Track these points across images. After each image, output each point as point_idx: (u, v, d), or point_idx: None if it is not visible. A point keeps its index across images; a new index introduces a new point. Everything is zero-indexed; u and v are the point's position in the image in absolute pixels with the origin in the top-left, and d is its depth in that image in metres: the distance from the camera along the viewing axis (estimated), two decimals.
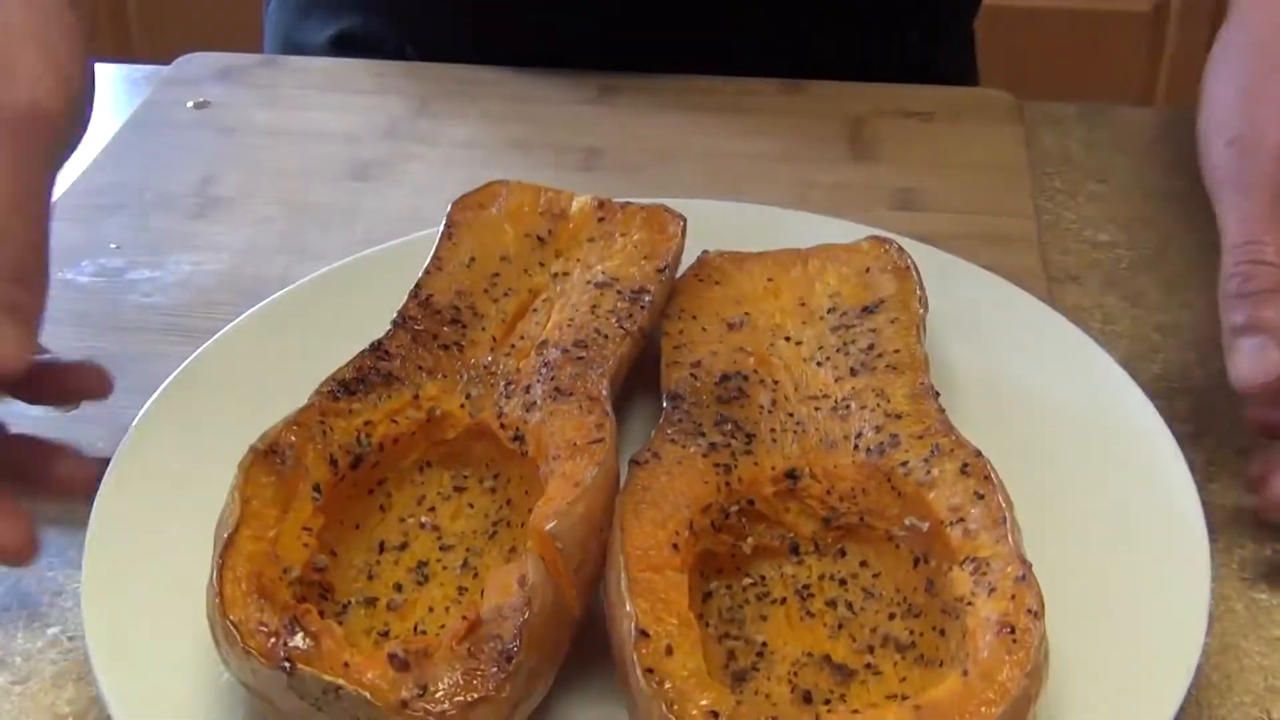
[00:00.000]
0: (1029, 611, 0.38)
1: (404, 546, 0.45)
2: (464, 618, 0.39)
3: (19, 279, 0.43)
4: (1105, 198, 0.65)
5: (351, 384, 0.46)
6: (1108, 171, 0.67)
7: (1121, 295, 0.59)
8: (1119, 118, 0.72)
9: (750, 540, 0.44)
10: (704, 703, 0.37)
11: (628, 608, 0.39)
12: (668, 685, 0.38)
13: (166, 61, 0.76)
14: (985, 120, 0.70)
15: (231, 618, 0.39)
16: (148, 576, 0.44)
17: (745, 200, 0.61)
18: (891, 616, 0.43)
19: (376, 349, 0.48)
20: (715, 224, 0.55)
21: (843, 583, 0.44)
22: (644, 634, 0.39)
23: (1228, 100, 0.50)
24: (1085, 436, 0.49)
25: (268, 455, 0.43)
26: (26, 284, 0.43)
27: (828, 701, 0.40)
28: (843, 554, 0.45)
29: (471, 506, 0.46)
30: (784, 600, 0.44)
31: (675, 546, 0.42)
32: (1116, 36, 1.57)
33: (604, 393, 0.46)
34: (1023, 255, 0.60)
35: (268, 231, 0.62)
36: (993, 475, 0.43)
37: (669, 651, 0.38)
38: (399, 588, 0.43)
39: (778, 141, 0.69)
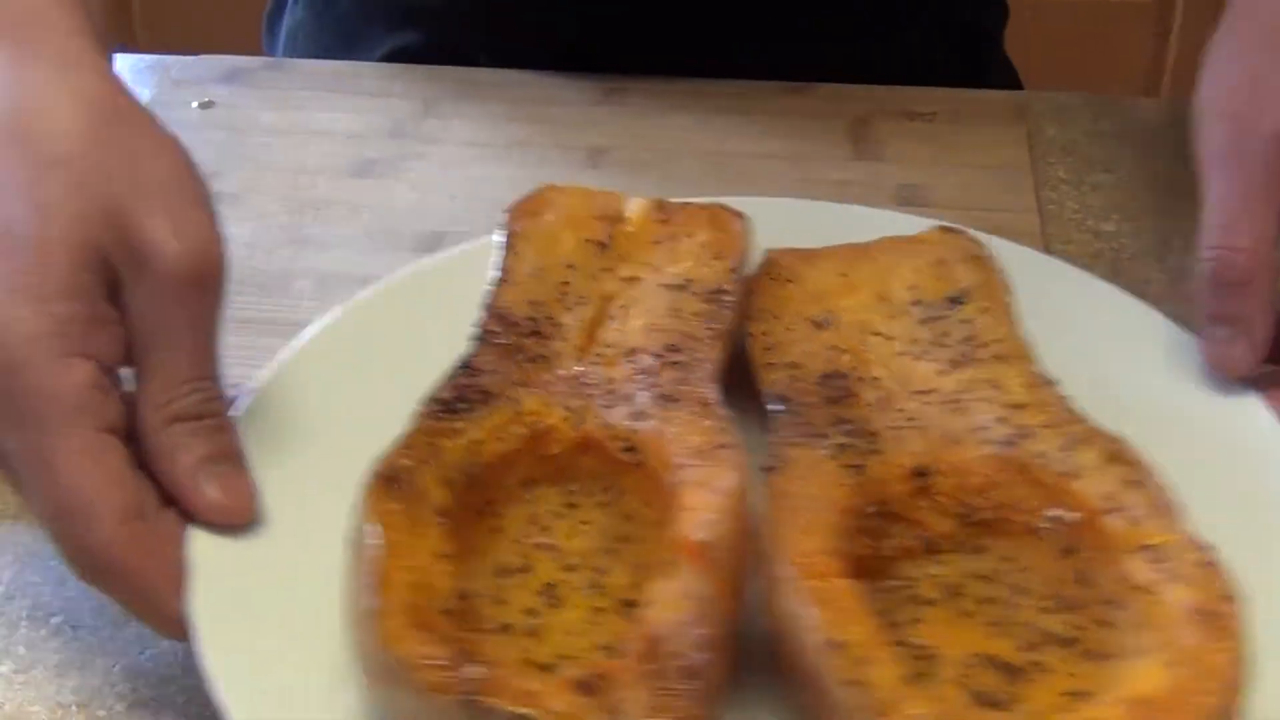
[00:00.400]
0: (1226, 596, 0.38)
1: (526, 569, 0.43)
2: (640, 636, 0.38)
3: (227, 427, 0.44)
4: (1110, 187, 0.65)
5: (452, 403, 0.45)
6: (1112, 161, 0.67)
7: (1125, 285, 0.58)
8: (1124, 108, 0.72)
9: (890, 541, 0.43)
10: (914, 711, 0.36)
11: (809, 619, 0.38)
12: (873, 695, 0.36)
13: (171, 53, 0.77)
14: (987, 120, 0.70)
15: (397, 654, 0.37)
16: (267, 616, 0.42)
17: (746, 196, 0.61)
18: (1046, 611, 0.41)
19: (466, 366, 0.47)
20: (764, 221, 0.54)
21: (988, 579, 0.42)
22: (836, 645, 0.38)
23: (1230, 80, 0.50)
24: (1189, 426, 0.48)
25: (388, 481, 0.42)
26: (230, 430, 0.44)
27: (1002, 703, 0.39)
28: (981, 550, 0.43)
29: (587, 524, 0.45)
30: (935, 601, 0.42)
31: (831, 553, 0.41)
32: (1122, 27, 1.58)
33: (714, 396, 0.45)
34: (1024, 246, 0.60)
35: (271, 226, 0.62)
36: (1144, 460, 0.42)
37: (864, 661, 0.37)
38: (532, 612, 0.42)
39: (782, 141, 0.69)
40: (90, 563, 0.41)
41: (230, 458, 0.44)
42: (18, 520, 0.48)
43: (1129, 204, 0.64)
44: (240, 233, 0.61)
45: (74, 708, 0.42)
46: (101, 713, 0.42)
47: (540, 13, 0.75)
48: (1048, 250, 0.60)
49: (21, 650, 0.44)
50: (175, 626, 0.41)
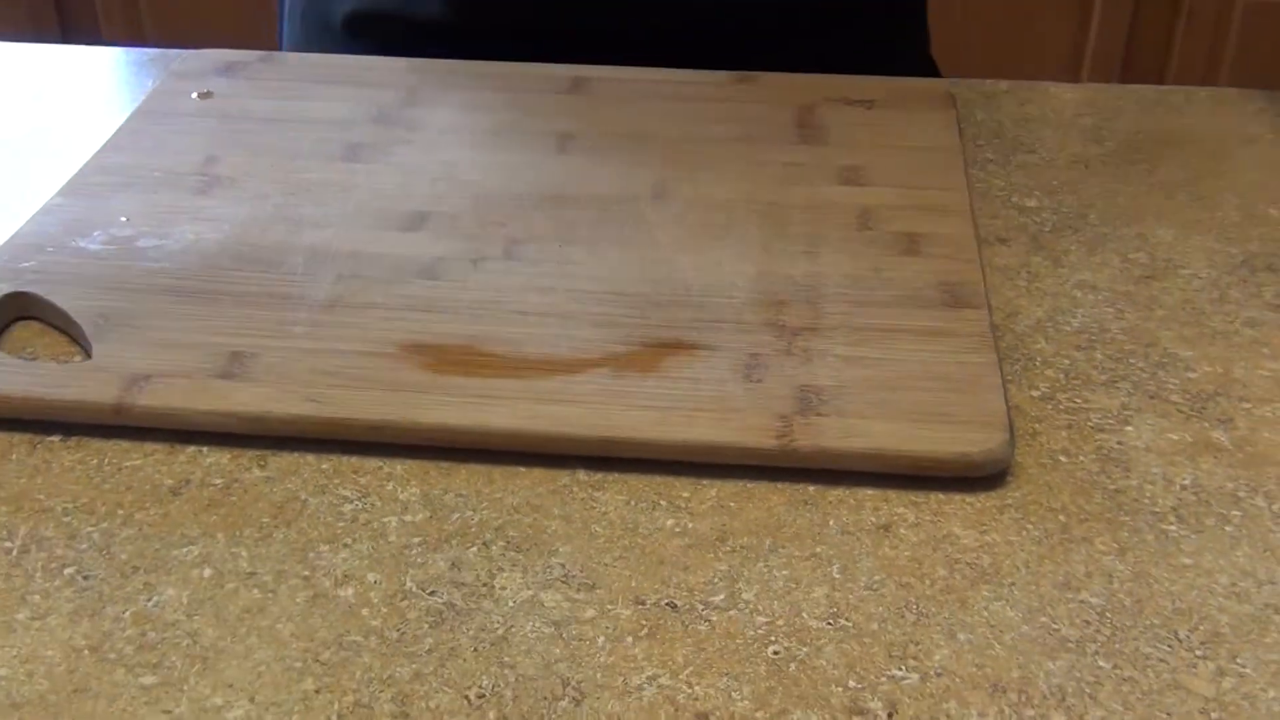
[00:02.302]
0: None
1: None
2: None
3: None
4: (1032, 166, 0.65)
5: None
6: (1035, 143, 0.67)
7: (1046, 256, 0.59)
8: (1046, 93, 0.71)
9: None
10: None
11: None
12: None
13: (176, 45, 0.76)
14: (922, 107, 0.69)
15: None
16: None
17: (704, 176, 0.60)
18: None
19: None
20: None
21: None
22: None
23: None
24: None
25: None
26: None
27: None
28: None
29: None
30: None
31: None
32: (1046, 17, 1.58)
33: None
34: (957, 224, 0.59)
35: (265, 205, 0.61)
36: None
37: None
38: None
39: (735, 126, 0.69)
40: None
41: None
42: (32, 480, 0.48)
43: (1050, 182, 0.64)
44: (238, 213, 0.61)
45: (85, 651, 0.42)
46: (111, 655, 0.41)
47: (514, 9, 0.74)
48: (976, 224, 0.60)
49: (37, 599, 0.43)
50: None
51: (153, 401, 0.49)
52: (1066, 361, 0.52)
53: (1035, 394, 0.51)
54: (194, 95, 0.71)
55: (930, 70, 0.85)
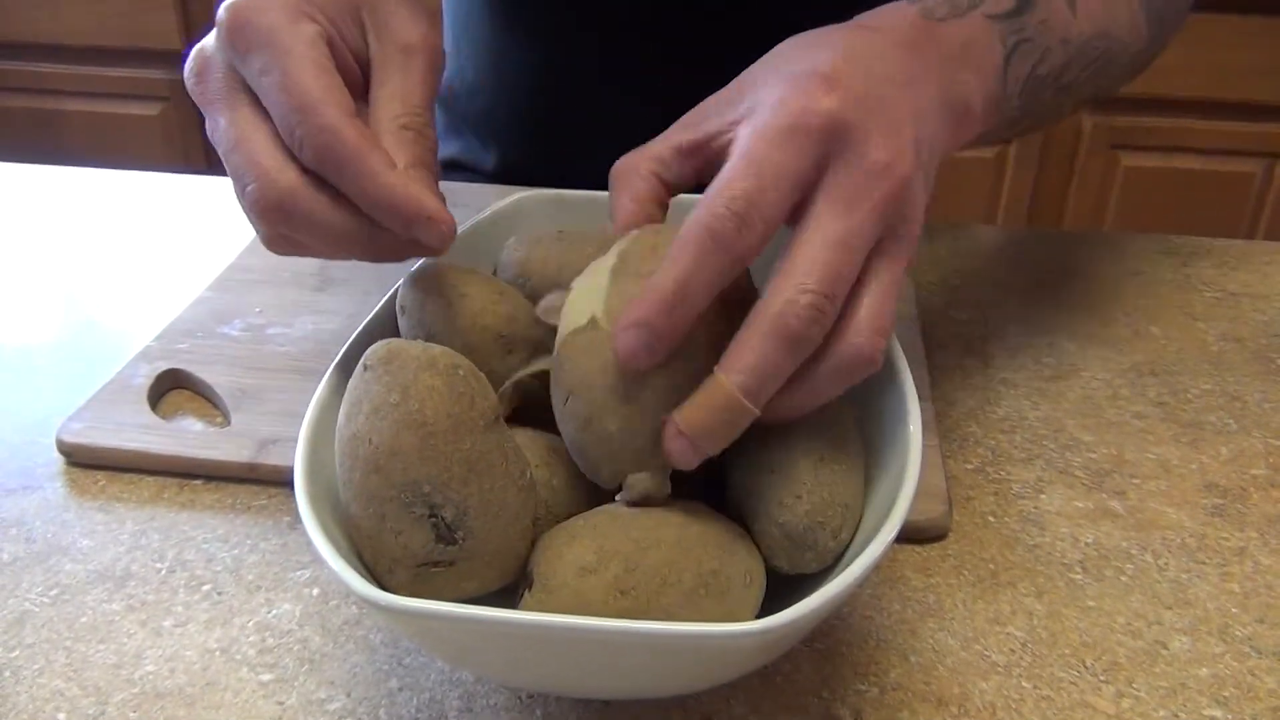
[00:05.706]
0: None
1: None
2: None
3: (434, 145, 0.41)
4: (964, 288, 0.65)
5: None
6: (967, 270, 0.67)
7: (977, 358, 0.59)
8: (974, 233, 0.72)
9: None
10: None
11: None
12: None
13: None
14: None
15: None
16: None
17: None
18: None
19: None
20: None
21: None
22: None
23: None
24: None
25: None
26: (434, 146, 0.41)
27: None
28: None
29: None
30: None
31: None
32: (970, 175, 1.61)
33: None
34: (907, 330, 0.59)
35: (370, 302, 0.61)
36: None
37: None
38: None
39: None
40: (318, 143, 0.37)
41: (430, 164, 0.40)
42: (179, 514, 0.48)
43: (979, 301, 0.64)
44: (347, 307, 0.61)
45: (217, 653, 0.41)
46: (238, 656, 0.41)
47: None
48: (923, 332, 0.60)
49: (180, 609, 0.43)
50: (386, 198, 0.38)
51: (279, 461, 0.48)
52: (993, 442, 0.52)
53: (969, 467, 0.51)
54: None
55: None
